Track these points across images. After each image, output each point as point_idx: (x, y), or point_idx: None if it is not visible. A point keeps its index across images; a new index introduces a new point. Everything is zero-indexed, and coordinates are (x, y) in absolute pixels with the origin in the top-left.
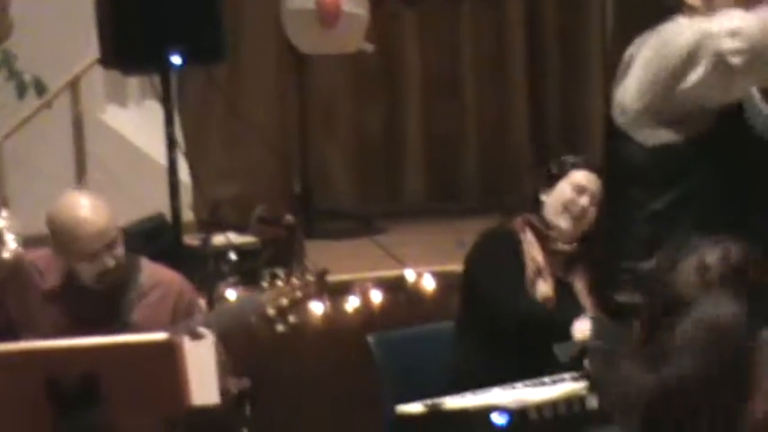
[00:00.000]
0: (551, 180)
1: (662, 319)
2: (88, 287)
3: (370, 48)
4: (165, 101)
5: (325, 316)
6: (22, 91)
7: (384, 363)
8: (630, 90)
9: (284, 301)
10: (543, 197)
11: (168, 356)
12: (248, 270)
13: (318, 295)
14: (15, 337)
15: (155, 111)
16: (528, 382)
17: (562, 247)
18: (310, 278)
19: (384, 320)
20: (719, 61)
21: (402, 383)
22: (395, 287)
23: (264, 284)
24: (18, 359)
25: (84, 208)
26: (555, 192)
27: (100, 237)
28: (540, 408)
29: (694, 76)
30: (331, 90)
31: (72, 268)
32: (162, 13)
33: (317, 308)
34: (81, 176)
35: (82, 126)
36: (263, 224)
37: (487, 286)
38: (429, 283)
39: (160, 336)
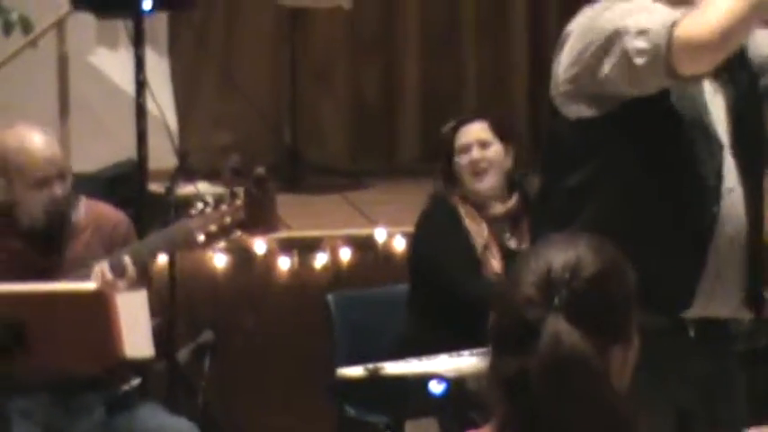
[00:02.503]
0: (447, 157)
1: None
2: (24, 227)
3: (347, 4)
4: (136, 45)
5: (293, 271)
6: (8, 29)
7: (340, 322)
8: (563, 65)
9: (213, 228)
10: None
11: (99, 307)
12: None
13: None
14: None
15: (146, 56)
16: (475, 351)
17: (498, 209)
18: (239, 203)
19: (351, 279)
20: (626, 58)
21: (358, 344)
22: (365, 246)
23: (193, 211)
24: None
25: (37, 136)
26: (455, 166)
27: (52, 162)
28: (478, 378)
29: (608, 65)
30: (327, 46)
31: (16, 203)
32: None
33: (284, 263)
34: (64, 117)
35: (67, 66)
36: (235, 175)
37: (441, 267)
38: (399, 245)
39: (91, 286)
